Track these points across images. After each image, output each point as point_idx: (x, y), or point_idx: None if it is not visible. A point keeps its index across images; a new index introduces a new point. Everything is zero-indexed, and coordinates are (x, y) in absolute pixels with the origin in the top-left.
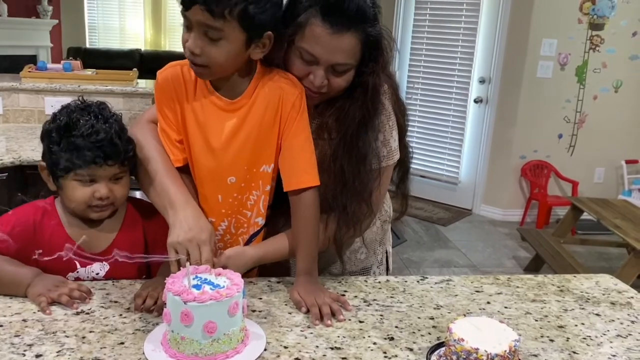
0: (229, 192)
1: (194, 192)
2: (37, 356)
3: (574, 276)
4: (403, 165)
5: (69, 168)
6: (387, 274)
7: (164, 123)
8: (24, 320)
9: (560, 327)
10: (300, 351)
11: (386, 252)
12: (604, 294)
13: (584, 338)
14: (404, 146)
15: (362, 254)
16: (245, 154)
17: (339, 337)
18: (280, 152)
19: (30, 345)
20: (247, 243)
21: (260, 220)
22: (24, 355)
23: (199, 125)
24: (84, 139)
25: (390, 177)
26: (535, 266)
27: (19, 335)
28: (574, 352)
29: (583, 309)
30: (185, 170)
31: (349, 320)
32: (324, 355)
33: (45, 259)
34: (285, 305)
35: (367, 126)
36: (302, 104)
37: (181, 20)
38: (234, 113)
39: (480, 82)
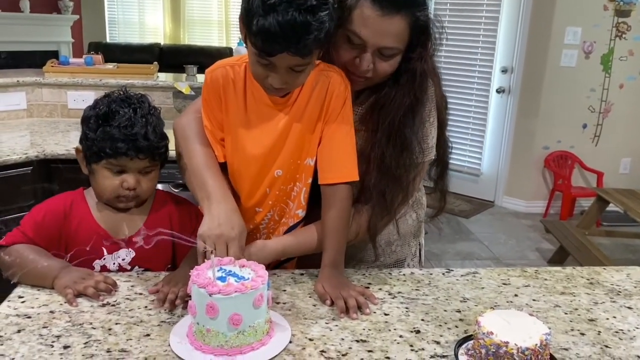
0: (276, 185)
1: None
2: (65, 347)
3: (604, 268)
4: (442, 161)
5: (101, 156)
6: (420, 266)
7: (208, 121)
8: (52, 312)
9: (591, 320)
10: (325, 344)
11: (419, 245)
12: (635, 287)
13: (616, 332)
14: (443, 141)
15: (397, 246)
16: (292, 147)
17: (364, 329)
18: (320, 143)
19: (58, 337)
20: (287, 232)
21: (301, 212)
22: (52, 346)
23: (250, 123)
24: (119, 130)
25: (423, 175)
26: (559, 258)
27: (47, 327)
28: (606, 346)
29: (614, 302)
30: (225, 168)
31: (374, 312)
32: (350, 348)
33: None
34: (310, 297)
35: (414, 113)
36: (347, 97)
37: (200, 14)
38: (284, 109)
39: (502, 71)
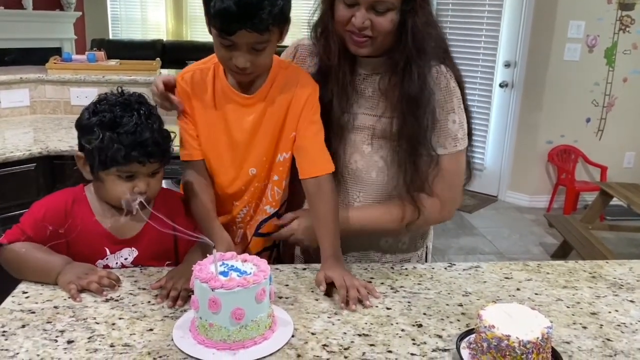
0: (251, 182)
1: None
2: (69, 342)
3: (607, 262)
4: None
5: (111, 164)
6: None
7: (183, 122)
8: (55, 307)
9: (593, 313)
10: (327, 337)
11: (426, 248)
12: (638, 280)
13: (618, 325)
14: (465, 108)
15: (404, 244)
16: (264, 146)
17: (366, 323)
18: (294, 144)
19: (62, 332)
20: (257, 229)
21: (269, 209)
22: (56, 341)
23: (221, 122)
24: (128, 136)
25: (464, 160)
26: (562, 253)
27: (51, 322)
28: (608, 339)
29: (616, 295)
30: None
31: (376, 307)
32: (352, 342)
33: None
34: (312, 292)
35: (411, 67)
36: (315, 99)
37: (202, 10)
38: (252, 107)
39: (505, 66)
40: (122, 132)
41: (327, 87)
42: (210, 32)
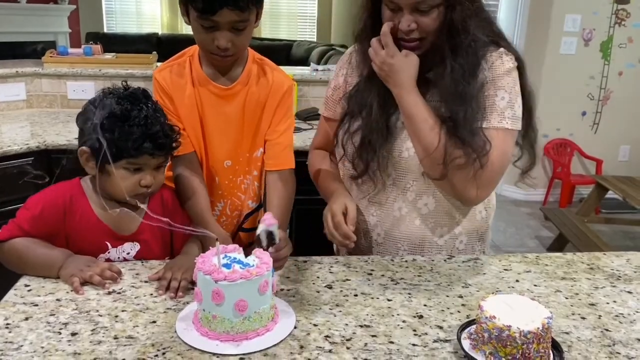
0: (225, 175)
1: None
2: (73, 334)
3: (604, 254)
4: (527, 105)
5: (122, 156)
6: None
7: (168, 120)
8: (58, 300)
9: (592, 304)
10: (329, 329)
11: (483, 253)
12: (635, 272)
13: (617, 316)
14: (525, 85)
15: (462, 244)
16: (239, 139)
17: (367, 315)
18: (267, 136)
19: (65, 324)
20: (242, 223)
21: (251, 203)
22: (60, 333)
23: (198, 113)
24: (140, 128)
25: (512, 146)
26: (558, 246)
27: (54, 315)
28: (607, 330)
29: (614, 286)
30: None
31: (377, 298)
32: (354, 333)
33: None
34: (313, 284)
35: (445, 62)
36: (291, 96)
37: None
38: (229, 99)
39: None
40: (132, 124)
41: (374, 91)
42: (187, 20)
